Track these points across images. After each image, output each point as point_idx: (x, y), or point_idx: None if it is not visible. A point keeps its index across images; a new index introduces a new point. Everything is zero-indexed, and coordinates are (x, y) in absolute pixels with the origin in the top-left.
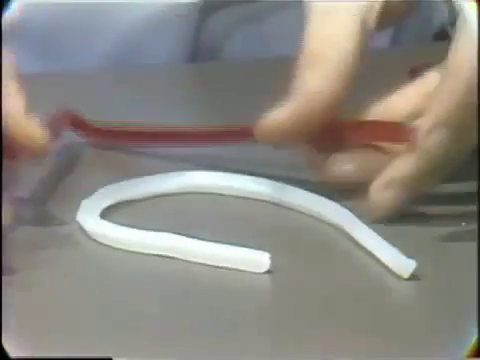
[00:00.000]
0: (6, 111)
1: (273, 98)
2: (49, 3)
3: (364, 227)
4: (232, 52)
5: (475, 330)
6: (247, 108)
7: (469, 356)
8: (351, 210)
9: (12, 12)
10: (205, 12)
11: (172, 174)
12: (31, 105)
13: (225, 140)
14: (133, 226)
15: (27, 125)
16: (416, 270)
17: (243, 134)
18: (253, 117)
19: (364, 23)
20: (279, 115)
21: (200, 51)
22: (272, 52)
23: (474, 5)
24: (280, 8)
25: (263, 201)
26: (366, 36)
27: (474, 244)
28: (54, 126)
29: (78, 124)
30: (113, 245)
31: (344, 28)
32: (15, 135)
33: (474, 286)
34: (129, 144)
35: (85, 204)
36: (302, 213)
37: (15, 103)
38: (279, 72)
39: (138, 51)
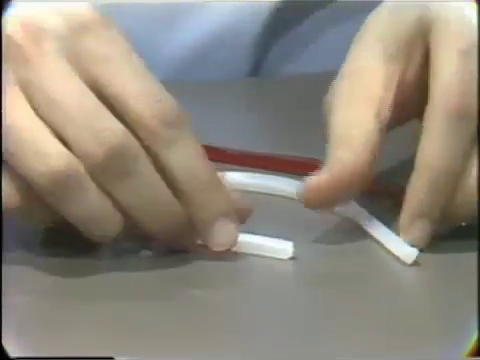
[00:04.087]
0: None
1: None
2: (122, 12)
3: (375, 221)
4: (295, 67)
5: (475, 329)
6: (308, 124)
7: (469, 355)
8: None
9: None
10: (269, 28)
11: None
12: None
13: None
14: None
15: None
16: (417, 258)
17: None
18: (313, 133)
19: (378, 115)
20: (319, 182)
21: (262, 66)
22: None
23: (474, 5)
24: (341, 22)
25: (284, 197)
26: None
27: (475, 243)
28: None
29: None
30: None
31: (363, 115)
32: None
33: (474, 286)
34: None
35: None
36: None
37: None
38: None
39: (201, 65)
